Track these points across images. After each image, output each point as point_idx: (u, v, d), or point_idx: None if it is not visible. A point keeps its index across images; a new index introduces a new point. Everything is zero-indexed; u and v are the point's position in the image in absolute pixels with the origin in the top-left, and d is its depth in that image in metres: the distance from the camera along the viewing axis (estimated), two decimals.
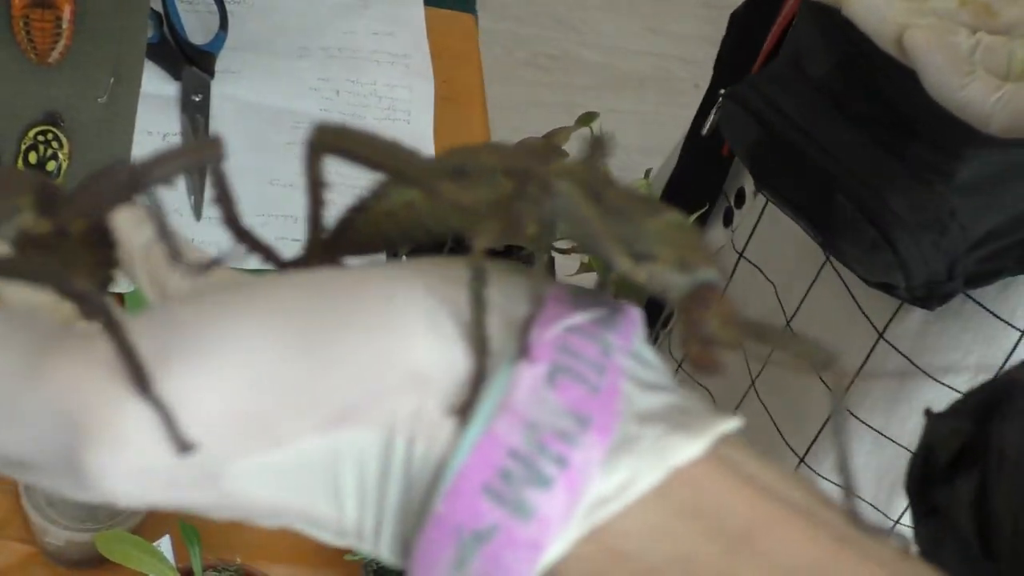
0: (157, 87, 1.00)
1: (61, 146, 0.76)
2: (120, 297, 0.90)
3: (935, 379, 0.74)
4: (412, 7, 1.16)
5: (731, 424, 0.32)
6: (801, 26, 0.76)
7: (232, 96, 1.03)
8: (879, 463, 0.79)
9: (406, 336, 0.31)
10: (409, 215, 0.36)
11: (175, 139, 0.99)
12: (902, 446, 0.78)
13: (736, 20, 0.88)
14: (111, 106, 0.76)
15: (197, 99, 1.02)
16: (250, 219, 0.97)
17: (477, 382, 0.31)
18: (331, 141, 0.35)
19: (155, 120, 0.99)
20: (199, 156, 0.33)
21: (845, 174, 0.70)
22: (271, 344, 0.30)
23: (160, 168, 0.32)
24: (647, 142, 2.13)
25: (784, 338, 0.34)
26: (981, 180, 0.67)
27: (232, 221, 0.35)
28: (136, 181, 0.32)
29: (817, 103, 0.72)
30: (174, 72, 1.03)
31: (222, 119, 1.02)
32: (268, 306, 0.31)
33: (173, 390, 0.29)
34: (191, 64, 1.03)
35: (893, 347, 0.75)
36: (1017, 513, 0.40)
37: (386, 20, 1.14)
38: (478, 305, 0.31)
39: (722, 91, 0.78)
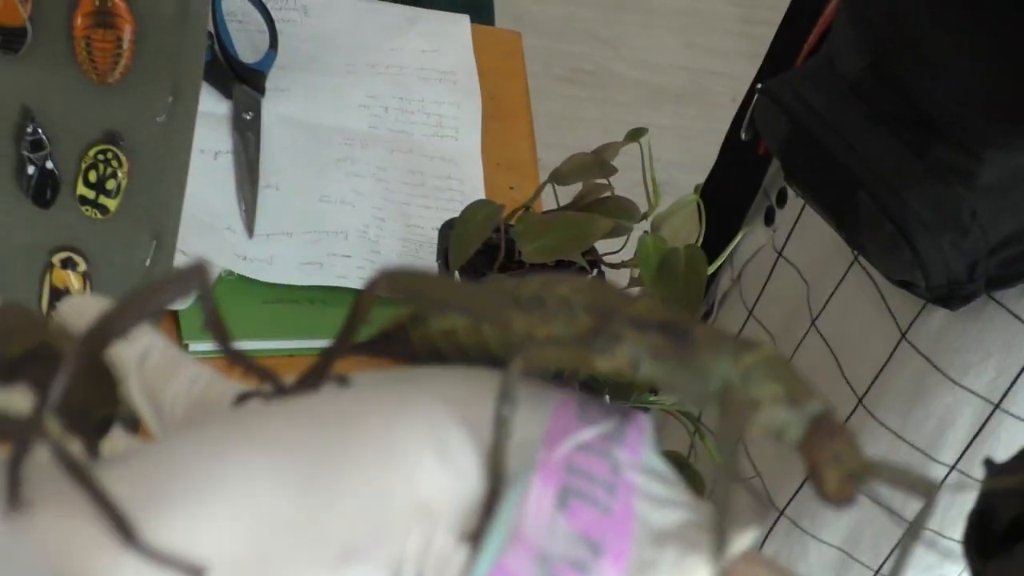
0: (209, 105, 1.02)
1: (121, 165, 0.77)
2: (175, 316, 0.91)
3: (954, 381, 0.74)
4: (458, 24, 1.17)
5: (747, 538, 0.30)
6: (837, 26, 0.77)
7: (282, 114, 1.04)
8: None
9: (411, 467, 0.30)
10: (472, 338, 0.35)
11: (227, 157, 1.01)
12: (918, 449, 0.78)
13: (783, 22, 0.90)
14: (169, 125, 0.77)
15: (248, 117, 1.03)
16: (301, 236, 0.98)
17: (486, 511, 0.29)
18: (394, 286, 0.33)
19: (207, 138, 1.00)
20: (187, 285, 0.32)
21: (868, 172, 0.71)
22: (270, 485, 0.29)
23: (150, 302, 0.32)
24: (684, 157, 2.13)
25: (891, 472, 0.33)
26: (1002, 182, 0.68)
27: (226, 347, 0.34)
28: (126, 321, 0.31)
29: (845, 101, 0.73)
30: (225, 90, 1.04)
31: (272, 137, 1.03)
32: (266, 443, 0.30)
33: (171, 535, 0.28)
34: (242, 82, 1.05)
35: (914, 348, 0.75)
36: None
37: (433, 37, 1.15)
38: (501, 432, 0.30)
39: (758, 86, 0.79)
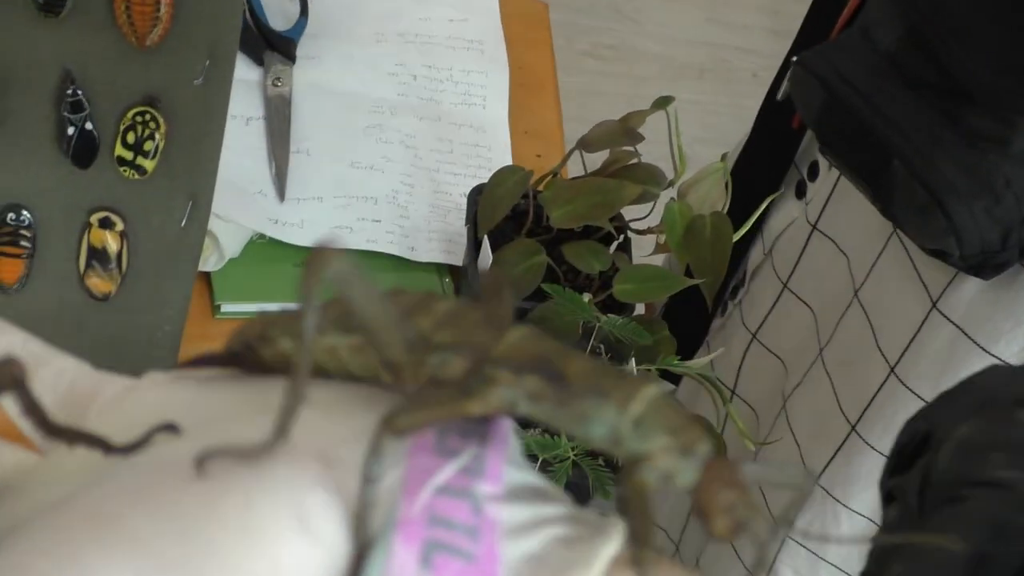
0: (240, 72, 1.02)
1: (158, 127, 0.78)
2: (207, 277, 0.93)
3: (984, 350, 0.75)
4: None
5: (614, 543, 0.30)
6: None
7: (312, 81, 1.06)
8: None
9: (274, 546, 0.29)
10: (330, 360, 0.34)
11: (258, 123, 1.02)
12: None
13: None
14: (206, 88, 0.78)
15: (279, 84, 1.04)
16: (331, 201, 0.99)
17: None
18: (331, 265, 0.31)
19: (239, 104, 1.01)
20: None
21: (902, 140, 0.72)
22: None
23: None
24: (706, 132, 2.14)
25: (769, 474, 0.33)
26: None
27: (45, 425, 0.33)
28: None
29: (880, 71, 0.74)
30: (256, 58, 1.05)
31: (303, 104, 1.04)
32: (123, 542, 0.29)
33: None
34: (273, 50, 1.06)
35: (946, 317, 0.76)
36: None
37: (461, 7, 1.16)
38: (364, 507, 0.29)
39: (793, 58, 0.80)
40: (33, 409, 0.32)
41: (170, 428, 0.33)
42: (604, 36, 2.47)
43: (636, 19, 2.52)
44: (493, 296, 0.35)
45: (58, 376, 0.37)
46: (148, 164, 0.79)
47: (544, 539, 0.30)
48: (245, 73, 1.04)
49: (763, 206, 0.89)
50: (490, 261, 0.88)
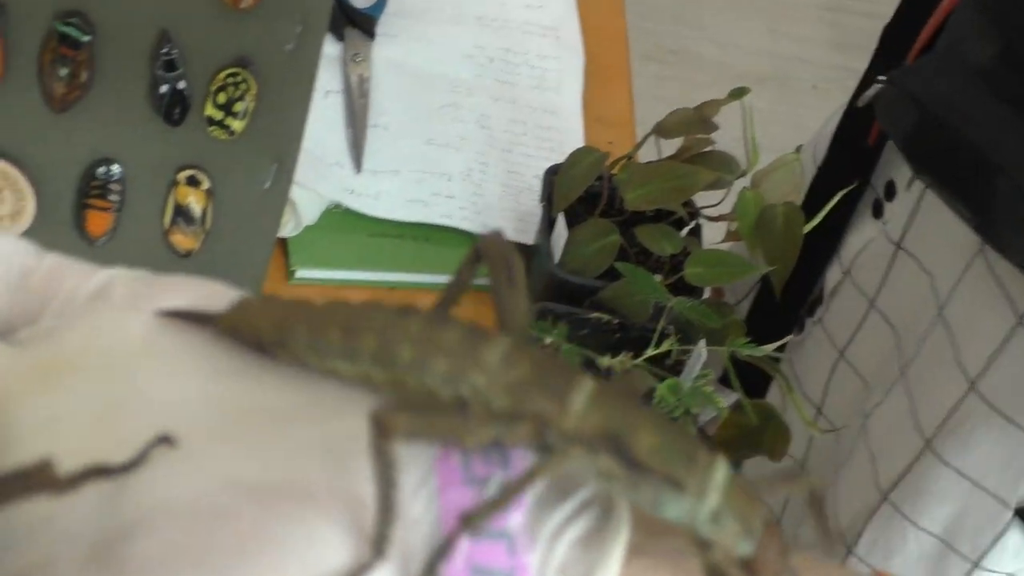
0: None
1: (249, 89, 0.80)
2: (284, 243, 0.95)
3: None
4: None
5: (624, 532, 0.31)
6: (964, 13, 0.77)
7: (391, 58, 1.07)
8: (1003, 451, 0.79)
9: None
10: (352, 371, 0.34)
11: (337, 96, 1.04)
12: None
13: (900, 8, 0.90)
14: (297, 53, 0.80)
15: (358, 59, 1.06)
16: (407, 175, 1.00)
17: None
18: (400, 424, 0.31)
19: (319, 77, 1.02)
20: None
21: (1004, 157, 0.71)
22: None
23: None
24: (765, 140, 2.14)
25: (775, 488, 0.36)
26: None
27: (55, 485, 0.31)
28: None
29: (976, 88, 0.73)
30: (337, 33, 1.07)
31: (381, 80, 1.05)
32: None
33: None
34: (353, 26, 1.08)
35: None
36: None
37: None
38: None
39: (880, 77, 0.79)
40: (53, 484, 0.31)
41: (166, 440, 0.31)
42: (666, 40, 2.47)
43: (698, 25, 2.53)
44: (498, 262, 0.35)
45: (5, 261, 0.35)
46: (237, 125, 0.81)
47: (565, 546, 0.31)
48: (326, 47, 1.04)
49: (837, 197, 0.89)
50: (564, 239, 0.89)
